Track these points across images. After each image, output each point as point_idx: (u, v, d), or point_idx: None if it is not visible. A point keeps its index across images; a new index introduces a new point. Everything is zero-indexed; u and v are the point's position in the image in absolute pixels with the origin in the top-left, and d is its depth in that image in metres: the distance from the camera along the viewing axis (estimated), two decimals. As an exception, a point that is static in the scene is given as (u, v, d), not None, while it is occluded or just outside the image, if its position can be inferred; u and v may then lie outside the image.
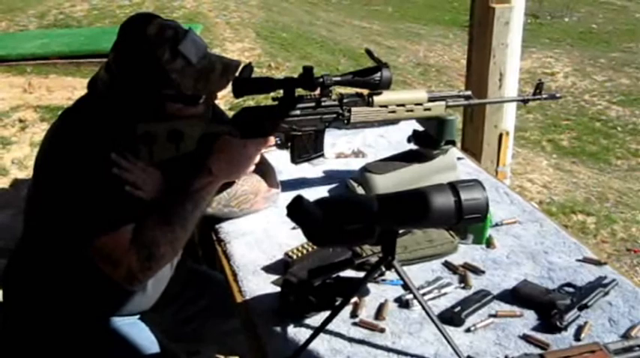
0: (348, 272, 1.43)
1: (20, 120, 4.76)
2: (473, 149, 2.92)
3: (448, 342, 1.25)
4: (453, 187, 1.21)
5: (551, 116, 6.33)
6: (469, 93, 1.89)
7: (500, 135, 2.93)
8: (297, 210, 1.19)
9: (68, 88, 5.23)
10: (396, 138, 2.14)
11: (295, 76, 1.64)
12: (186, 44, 1.42)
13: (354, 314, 1.41)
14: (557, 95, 1.99)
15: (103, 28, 6.93)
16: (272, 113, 1.65)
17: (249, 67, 1.59)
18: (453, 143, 1.91)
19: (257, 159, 1.61)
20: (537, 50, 8.36)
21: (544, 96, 1.92)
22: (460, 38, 8.55)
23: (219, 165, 1.52)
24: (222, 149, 1.54)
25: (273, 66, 6.11)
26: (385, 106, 1.76)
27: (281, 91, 1.66)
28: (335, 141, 2.25)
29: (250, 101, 4.18)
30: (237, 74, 1.53)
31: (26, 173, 4.01)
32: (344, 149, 2.24)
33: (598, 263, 1.59)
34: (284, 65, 6.20)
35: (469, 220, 1.22)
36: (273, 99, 1.66)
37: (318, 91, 1.67)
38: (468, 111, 3.01)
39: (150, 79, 1.41)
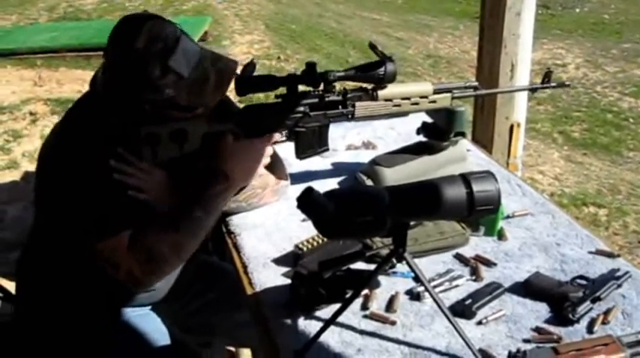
0: (359, 265, 1.42)
1: (31, 113, 4.78)
2: (484, 141, 2.90)
3: (459, 335, 1.24)
4: (465, 179, 1.20)
5: (563, 108, 6.29)
6: (476, 83, 1.87)
7: (512, 127, 2.91)
8: (308, 202, 1.18)
9: (78, 81, 5.24)
10: (406, 129, 2.12)
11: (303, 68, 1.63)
12: (176, 58, 1.38)
13: (364, 307, 1.41)
14: (567, 83, 1.97)
15: (113, 20, 6.92)
16: (275, 110, 1.63)
17: (252, 65, 1.57)
18: (463, 134, 1.90)
19: (268, 155, 1.60)
20: (548, 41, 8.30)
21: (553, 84, 1.89)
22: (471, 29, 8.50)
23: (235, 170, 1.50)
24: (234, 154, 1.51)
25: (282, 58, 6.11)
26: (390, 100, 1.74)
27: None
28: (345, 133, 2.24)
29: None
30: (237, 74, 1.51)
31: (37, 166, 4.02)
32: (354, 141, 2.23)
33: (611, 255, 1.57)
34: (293, 57, 6.19)
35: (481, 212, 1.21)
36: (277, 96, 1.65)
37: (321, 87, 1.65)
38: (479, 103, 2.99)
39: (143, 93, 1.39)
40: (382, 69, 1.65)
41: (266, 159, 1.60)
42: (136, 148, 1.43)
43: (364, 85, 1.72)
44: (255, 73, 1.58)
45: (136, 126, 1.42)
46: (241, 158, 1.52)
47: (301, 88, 1.63)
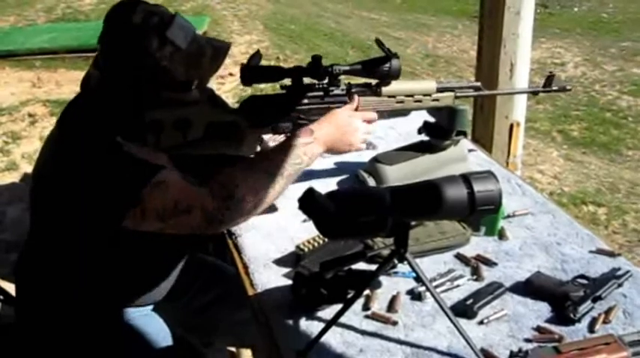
0: (360, 265, 1.42)
1: (30, 115, 4.78)
2: (483, 140, 2.90)
3: (461, 335, 1.24)
4: (466, 179, 1.20)
5: (562, 106, 6.29)
6: (479, 84, 1.88)
7: (511, 126, 2.91)
8: (309, 203, 1.18)
9: (77, 82, 5.16)
10: (406, 129, 2.13)
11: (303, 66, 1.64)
12: (173, 30, 1.41)
13: (366, 307, 1.41)
14: (568, 87, 1.97)
15: (111, 21, 6.92)
16: (279, 101, 1.64)
17: (257, 55, 1.59)
18: (465, 134, 1.90)
19: (368, 130, 1.66)
20: (547, 40, 8.30)
21: (554, 88, 1.90)
22: (469, 29, 8.50)
23: (322, 129, 1.55)
24: (327, 117, 1.59)
25: (281, 58, 6.10)
26: (393, 96, 1.75)
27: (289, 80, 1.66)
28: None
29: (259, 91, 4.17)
30: (243, 63, 1.53)
31: (36, 167, 4.02)
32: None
33: (612, 254, 1.57)
34: (292, 57, 6.18)
35: (482, 212, 1.21)
36: (282, 87, 1.66)
37: (326, 81, 1.67)
38: (478, 102, 2.99)
39: (141, 69, 1.40)
40: (387, 65, 1.66)
41: (364, 135, 1.66)
42: (140, 136, 1.43)
43: (368, 81, 1.73)
44: None
45: (135, 115, 1.42)
46: (331, 120, 1.59)
47: (306, 81, 1.65)
